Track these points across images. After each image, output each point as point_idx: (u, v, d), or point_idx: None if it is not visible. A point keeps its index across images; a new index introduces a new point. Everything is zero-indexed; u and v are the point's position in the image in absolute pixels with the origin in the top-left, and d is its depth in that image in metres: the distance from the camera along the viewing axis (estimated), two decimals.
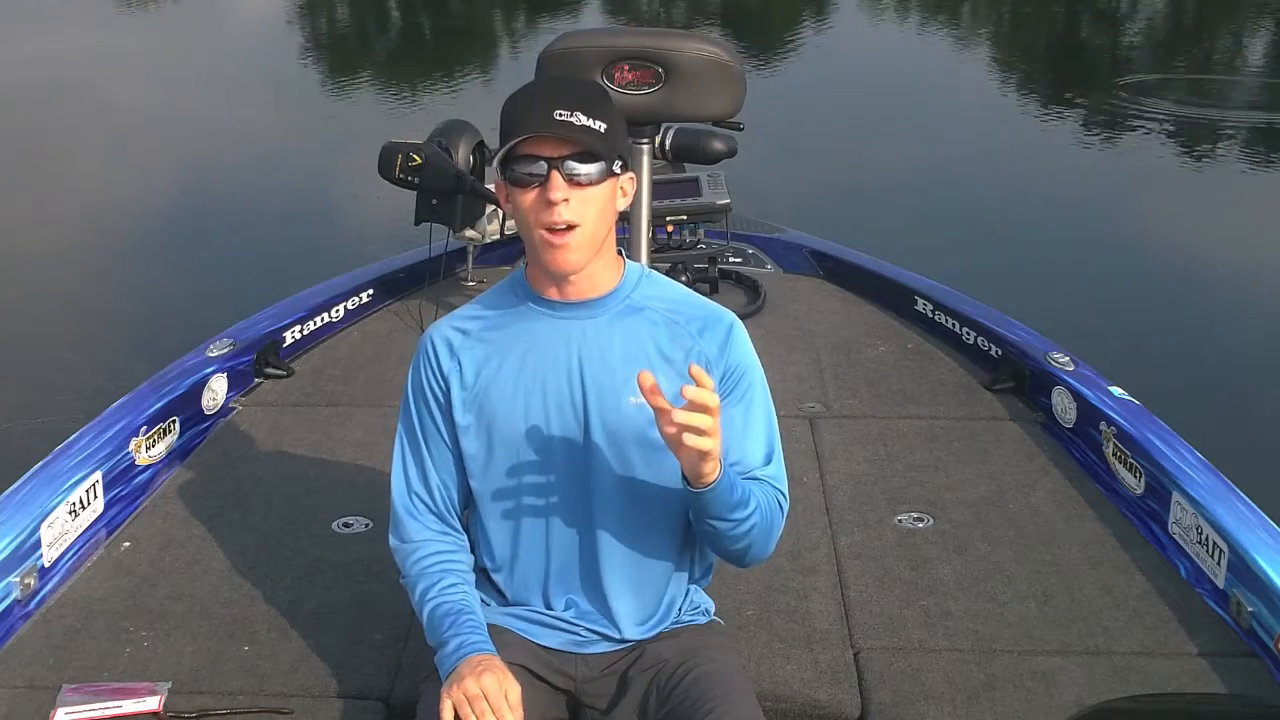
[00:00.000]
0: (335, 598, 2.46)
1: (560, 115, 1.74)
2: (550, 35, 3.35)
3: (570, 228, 1.77)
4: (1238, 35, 13.61)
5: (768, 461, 1.89)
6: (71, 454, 2.73)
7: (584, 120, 1.75)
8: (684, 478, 1.75)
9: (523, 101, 1.79)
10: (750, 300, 3.91)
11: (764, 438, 1.90)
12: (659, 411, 1.68)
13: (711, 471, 1.72)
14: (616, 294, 1.88)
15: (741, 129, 3.37)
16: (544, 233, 1.77)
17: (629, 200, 1.87)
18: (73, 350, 5.26)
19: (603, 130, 1.76)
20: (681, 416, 1.65)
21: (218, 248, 6.55)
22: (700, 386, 1.66)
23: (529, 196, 1.77)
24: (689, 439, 1.66)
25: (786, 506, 1.92)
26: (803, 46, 12.89)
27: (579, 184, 1.76)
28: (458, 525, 1.97)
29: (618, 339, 1.86)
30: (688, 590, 2.02)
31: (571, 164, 1.75)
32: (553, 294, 1.87)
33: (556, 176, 1.75)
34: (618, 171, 1.81)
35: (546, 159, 1.75)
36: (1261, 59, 12.43)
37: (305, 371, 3.49)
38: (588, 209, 1.77)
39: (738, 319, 1.92)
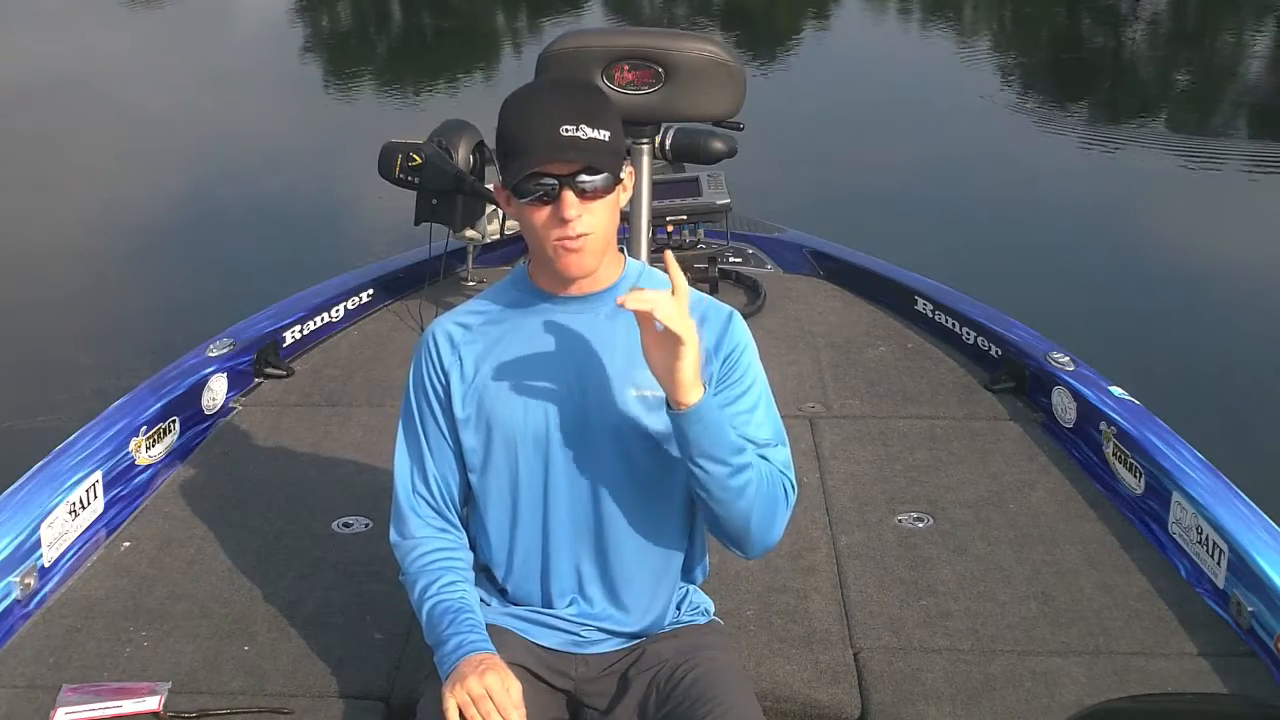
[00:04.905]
0: (335, 598, 2.46)
1: (567, 130, 1.73)
2: (551, 35, 3.35)
3: (585, 236, 1.78)
4: (1239, 36, 13.60)
5: (773, 445, 1.89)
6: (71, 454, 2.73)
7: (590, 133, 1.74)
8: (668, 405, 1.75)
9: (525, 117, 1.77)
10: (750, 300, 3.91)
11: (766, 423, 1.89)
12: (640, 317, 1.72)
13: (693, 383, 1.72)
14: (617, 288, 1.89)
15: (741, 129, 3.37)
16: (556, 242, 1.78)
17: (629, 194, 1.88)
18: (73, 350, 5.26)
19: (607, 138, 1.76)
20: (633, 302, 1.67)
21: (218, 247, 6.55)
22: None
23: (541, 214, 1.77)
24: (660, 313, 1.67)
25: (794, 495, 1.90)
26: (804, 46, 12.88)
27: (589, 197, 1.76)
28: (457, 523, 1.98)
29: (618, 332, 1.86)
30: (688, 590, 2.03)
31: (582, 178, 1.75)
32: (555, 289, 1.88)
33: (569, 195, 1.75)
34: (623, 176, 1.82)
35: (557, 176, 1.75)
36: (1264, 61, 12.42)
37: (305, 371, 3.49)
38: (597, 218, 1.78)
39: (737, 312, 1.93)
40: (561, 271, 1.82)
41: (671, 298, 1.71)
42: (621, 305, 1.69)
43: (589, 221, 1.77)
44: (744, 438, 1.84)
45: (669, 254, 1.81)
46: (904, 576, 2.55)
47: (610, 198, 1.79)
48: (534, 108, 1.78)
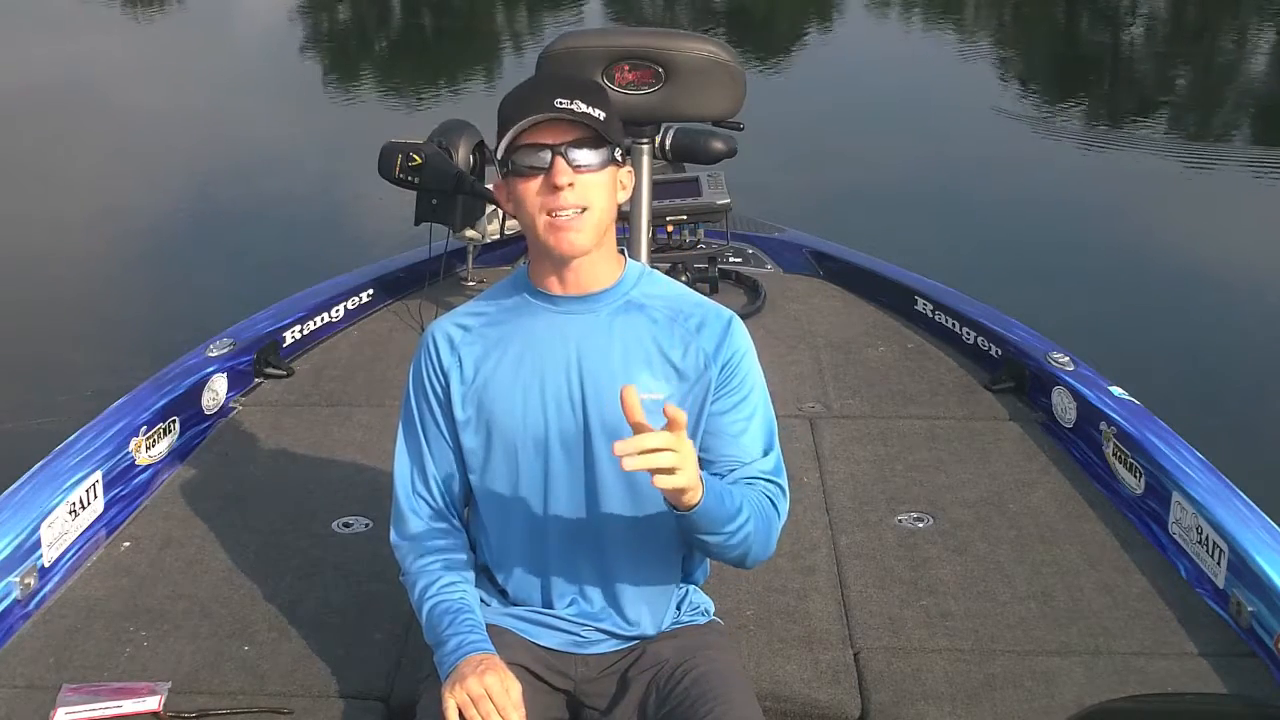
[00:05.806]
0: (335, 598, 2.47)
1: (561, 103, 1.76)
2: (551, 35, 3.35)
3: (578, 211, 1.77)
4: (1240, 35, 13.60)
5: (765, 455, 1.89)
6: (71, 454, 2.73)
7: (584, 108, 1.76)
8: (666, 502, 1.73)
9: (521, 95, 1.81)
10: (750, 300, 3.91)
11: (761, 432, 1.90)
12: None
13: (692, 497, 1.70)
14: (616, 289, 1.89)
15: (741, 129, 3.37)
16: (549, 216, 1.78)
17: (628, 194, 1.88)
18: (73, 350, 5.26)
19: (602, 118, 1.77)
20: (634, 463, 1.59)
21: (218, 248, 6.55)
22: (671, 422, 1.63)
23: (533, 185, 1.78)
24: (660, 480, 1.62)
25: (786, 504, 1.91)
26: (804, 47, 12.88)
27: (582, 170, 1.77)
28: (458, 523, 1.98)
29: (617, 334, 1.86)
30: (687, 590, 2.03)
31: (574, 150, 1.76)
32: (554, 288, 1.88)
33: (561, 162, 1.75)
34: (619, 160, 1.82)
35: (550, 146, 1.76)
36: (1263, 61, 12.42)
37: (305, 371, 3.49)
38: (592, 194, 1.78)
39: (737, 316, 1.92)
40: (554, 249, 1.80)
41: (673, 439, 1.62)
42: (618, 456, 1.61)
43: (582, 195, 1.77)
44: (734, 459, 1.86)
45: (669, 406, 1.65)
46: (904, 576, 2.55)
47: (605, 177, 1.79)
48: (531, 87, 1.82)
